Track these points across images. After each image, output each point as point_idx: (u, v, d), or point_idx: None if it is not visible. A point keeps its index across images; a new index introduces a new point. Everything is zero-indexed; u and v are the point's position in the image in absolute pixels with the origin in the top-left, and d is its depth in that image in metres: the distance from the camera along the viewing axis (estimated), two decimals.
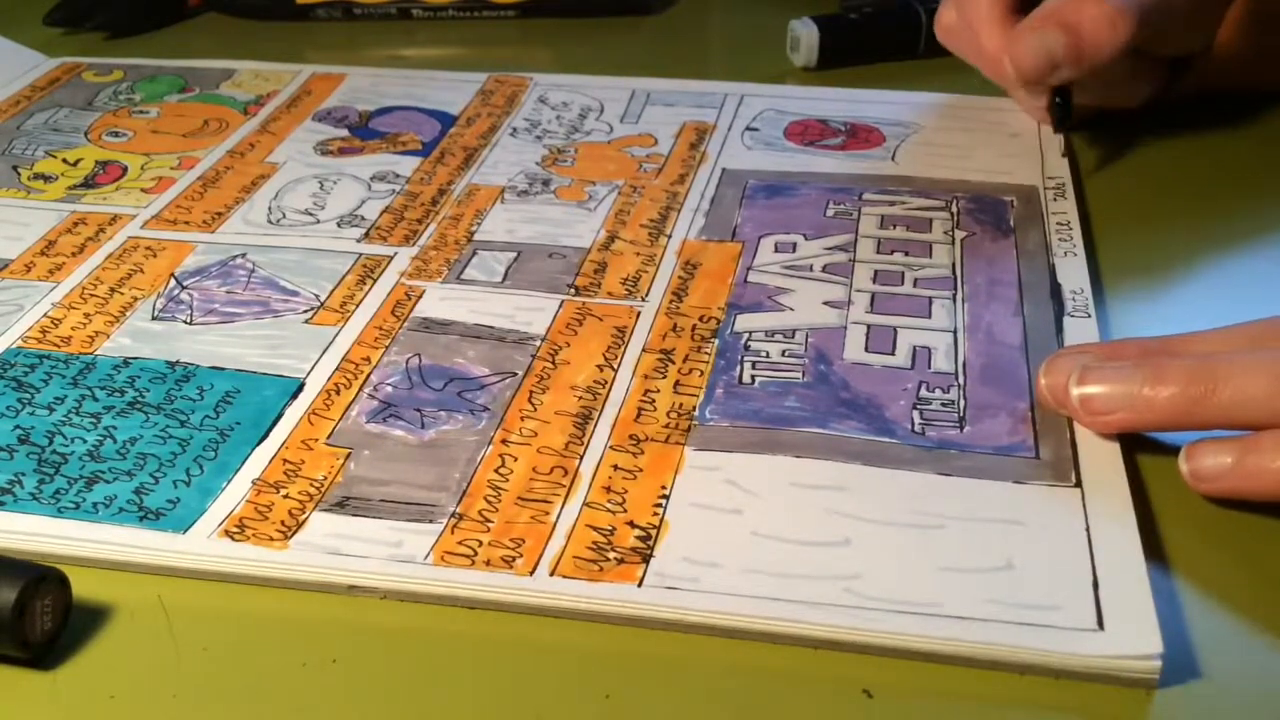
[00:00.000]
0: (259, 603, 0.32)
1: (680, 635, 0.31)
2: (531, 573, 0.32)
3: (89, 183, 0.53)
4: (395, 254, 0.47)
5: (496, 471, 0.36)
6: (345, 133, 0.57)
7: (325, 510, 0.35)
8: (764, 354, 0.41)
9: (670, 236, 0.47)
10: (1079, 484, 0.35)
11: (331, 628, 0.32)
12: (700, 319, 0.42)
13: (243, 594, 0.33)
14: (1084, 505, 0.34)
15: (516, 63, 0.64)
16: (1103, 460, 0.36)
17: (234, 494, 0.35)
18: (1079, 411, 0.35)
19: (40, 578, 0.30)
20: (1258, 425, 0.33)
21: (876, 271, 0.45)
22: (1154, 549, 0.33)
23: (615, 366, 0.40)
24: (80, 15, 0.68)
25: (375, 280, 0.45)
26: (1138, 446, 0.36)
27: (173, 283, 0.45)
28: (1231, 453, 0.33)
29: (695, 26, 0.70)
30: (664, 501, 0.35)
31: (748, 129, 0.56)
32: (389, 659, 0.31)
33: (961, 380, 0.39)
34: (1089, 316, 0.42)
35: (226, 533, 0.34)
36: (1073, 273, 0.44)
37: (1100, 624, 0.30)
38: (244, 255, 0.47)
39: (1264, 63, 0.54)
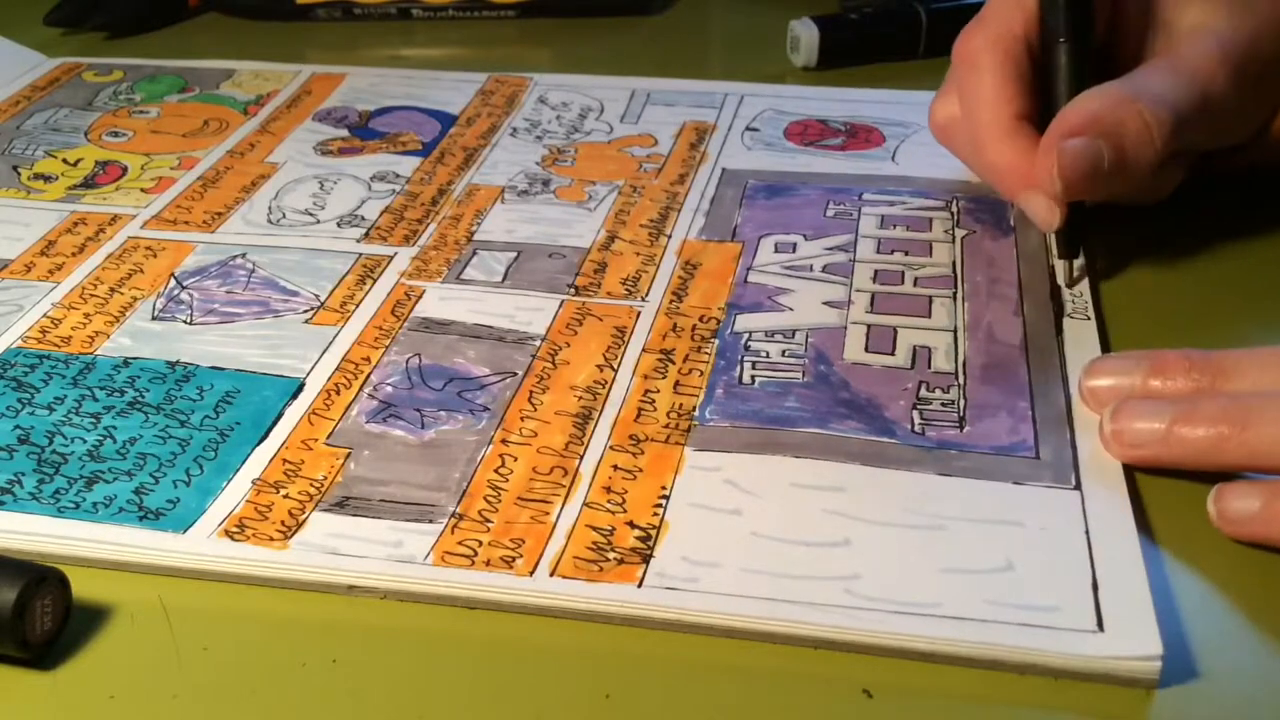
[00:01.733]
0: (259, 603, 0.32)
1: (680, 635, 0.31)
2: (531, 573, 0.32)
3: (89, 183, 0.53)
4: (395, 254, 0.47)
5: (496, 471, 0.36)
6: (345, 133, 0.57)
7: (325, 510, 0.35)
8: (764, 354, 0.41)
9: (670, 236, 0.47)
10: (1078, 486, 0.35)
11: (331, 628, 0.32)
12: (700, 319, 0.42)
13: (243, 594, 0.33)
14: (1084, 507, 0.34)
15: (516, 63, 0.64)
16: (1103, 462, 0.36)
17: (234, 494, 0.35)
18: (1111, 446, 0.36)
19: (40, 578, 0.30)
20: None
21: (876, 271, 0.45)
22: (1153, 548, 0.33)
23: (615, 366, 0.40)
24: (80, 15, 0.68)
25: (375, 280, 0.45)
26: None
27: (173, 283, 0.45)
28: (1259, 497, 0.33)
29: (695, 26, 0.70)
30: (664, 502, 0.35)
31: (748, 129, 0.56)
32: (389, 659, 0.31)
33: (961, 380, 0.39)
34: (1088, 318, 0.42)
35: (226, 533, 0.34)
36: (1072, 274, 0.44)
37: (1100, 625, 0.30)
38: (244, 255, 0.47)
39: None
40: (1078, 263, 0.44)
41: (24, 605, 0.30)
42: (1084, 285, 0.43)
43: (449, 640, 0.31)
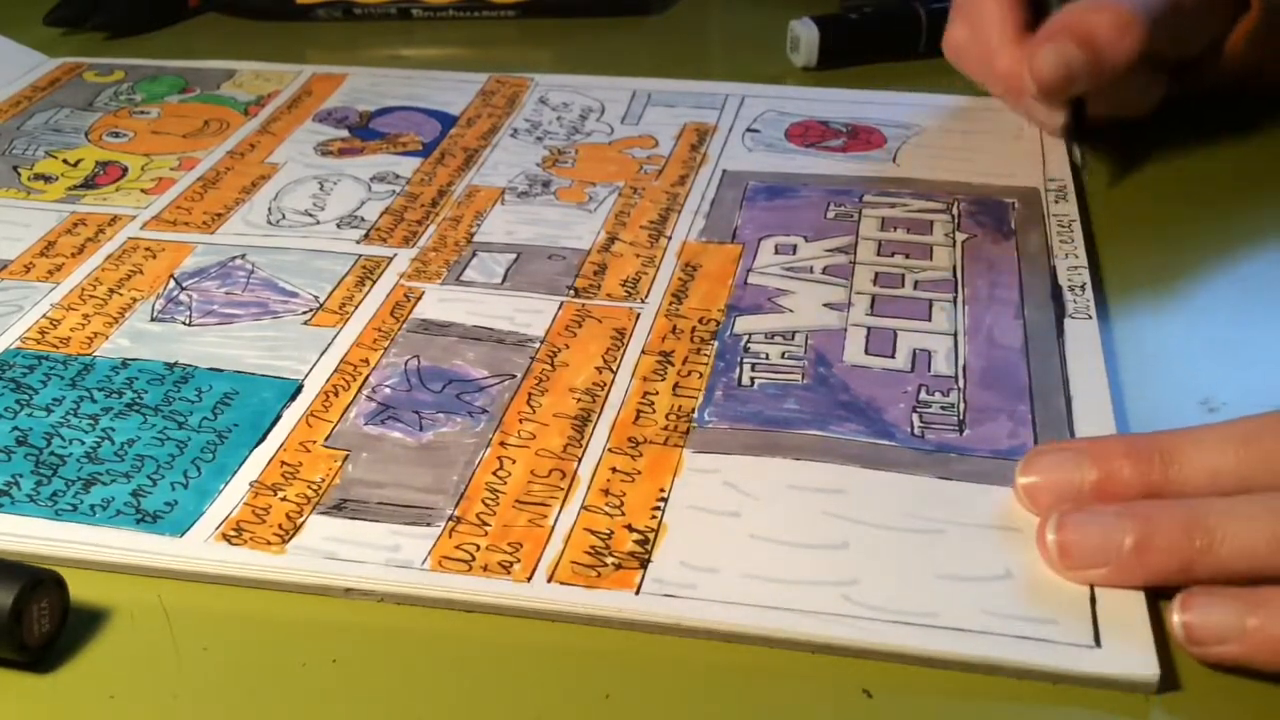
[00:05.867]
0: (259, 604, 0.32)
1: (680, 637, 0.31)
2: (529, 579, 0.32)
3: (89, 183, 0.53)
4: (395, 255, 0.47)
5: (494, 474, 0.36)
6: (345, 133, 0.57)
7: (322, 513, 0.35)
8: (763, 356, 0.41)
9: (670, 238, 0.47)
10: None
11: (331, 628, 0.32)
12: (700, 321, 0.42)
13: (242, 595, 0.33)
14: None
15: (517, 63, 0.64)
16: None
17: (231, 496, 0.35)
18: (1055, 561, 0.32)
19: (37, 580, 0.30)
20: (1258, 578, 0.30)
21: (877, 274, 0.45)
22: None
23: (614, 368, 0.40)
24: (80, 15, 0.68)
25: (374, 281, 0.45)
26: None
27: (172, 284, 0.45)
28: (1234, 610, 0.29)
29: (695, 26, 0.70)
30: (662, 504, 0.35)
31: (749, 130, 0.56)
32: (389, 660, 0.31)
33: (961, 383, 0.39)
34: (1090, 318, 0.42)
35: (224, 536, 0.34)
36: (1074, 275, 0.44)
37: (1097, 640, 0.30)
38: (243, 256, 0.47)
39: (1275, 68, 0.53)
40: (1081, 149, 0.50)
41: (21, 608, 0.29)
42: (1086, 287, 0.43)
43: (448, 641, 0.31)
